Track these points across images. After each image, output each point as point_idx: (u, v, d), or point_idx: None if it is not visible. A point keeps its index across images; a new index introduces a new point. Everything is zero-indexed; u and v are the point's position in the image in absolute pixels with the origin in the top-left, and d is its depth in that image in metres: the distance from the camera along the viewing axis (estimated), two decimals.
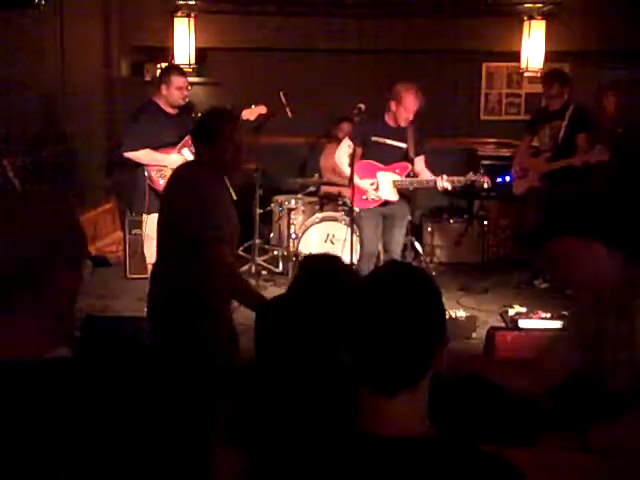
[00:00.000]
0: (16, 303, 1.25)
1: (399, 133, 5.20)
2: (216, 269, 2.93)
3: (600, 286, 2.15)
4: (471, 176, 5.29)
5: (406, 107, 5.07)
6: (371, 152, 5.25)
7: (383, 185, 5.27)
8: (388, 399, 1.26)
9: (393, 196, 5.28)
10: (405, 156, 5.26)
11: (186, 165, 3.49)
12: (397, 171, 5.27)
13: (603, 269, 2.10)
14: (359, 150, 5.15)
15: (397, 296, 1.28)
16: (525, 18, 7.19)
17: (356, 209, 5.29)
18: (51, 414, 1.19)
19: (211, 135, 3.04)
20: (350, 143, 5.27)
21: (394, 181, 5.26)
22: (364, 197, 5.29)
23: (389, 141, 5.22)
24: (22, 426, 1.18)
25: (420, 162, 5.31)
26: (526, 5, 7.18)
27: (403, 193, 5.44)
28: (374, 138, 5.21)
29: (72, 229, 1.32)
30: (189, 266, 2.96)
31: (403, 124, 5.16)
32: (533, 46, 7.18)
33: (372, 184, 5.27)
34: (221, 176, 3.24)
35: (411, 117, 5.13)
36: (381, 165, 5.27)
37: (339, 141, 6.75)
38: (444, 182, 5.19)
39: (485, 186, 5.34)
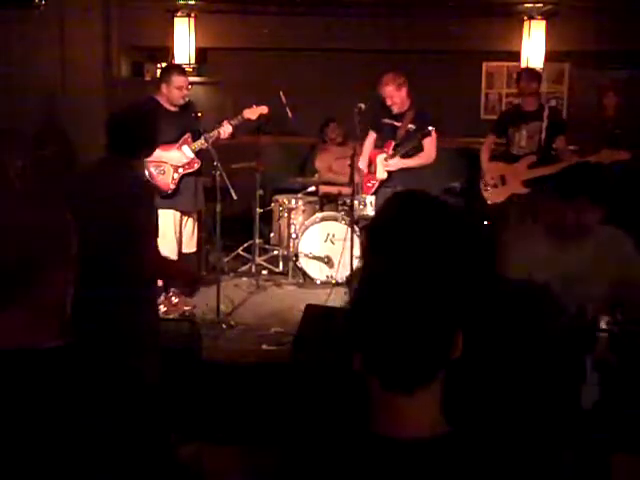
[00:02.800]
0: (12, 297, 1.28)
1: (400, 119, 5.55)
2: None
3: None
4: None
5: (383, 95, 5.45)
6: (383, 134, 5.64)
7: (379, 166, 5.66)
8: (405, 398, 1.19)
9: (384, 174, 5.62)
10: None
11: None
12: (385, 150, 5.62)
13: None
14: (373, 135, 5.66)
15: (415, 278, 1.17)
16: (525, 18, 7.18)
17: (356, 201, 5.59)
18: (46, 401, 1.22)
19: None
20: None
21: (383, 159, 5.60)
22: (369, 184, 5.68)
23: (396, 123, 5.55)
24: (18, 412, 1.21)
25: (426, 144, 5.53)
26: (526, 5, 7.16)
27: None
28: (385, 120, 5.59)
29: (66, 227, 1.36)
30: None
31: (392, 111, 5.52)
32: (533, 46, 7.17)
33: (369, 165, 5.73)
34: None
35: (391, 103, 5.46)
36: (377, 149, 5.70)
37: (332, 142, 6.89)
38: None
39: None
